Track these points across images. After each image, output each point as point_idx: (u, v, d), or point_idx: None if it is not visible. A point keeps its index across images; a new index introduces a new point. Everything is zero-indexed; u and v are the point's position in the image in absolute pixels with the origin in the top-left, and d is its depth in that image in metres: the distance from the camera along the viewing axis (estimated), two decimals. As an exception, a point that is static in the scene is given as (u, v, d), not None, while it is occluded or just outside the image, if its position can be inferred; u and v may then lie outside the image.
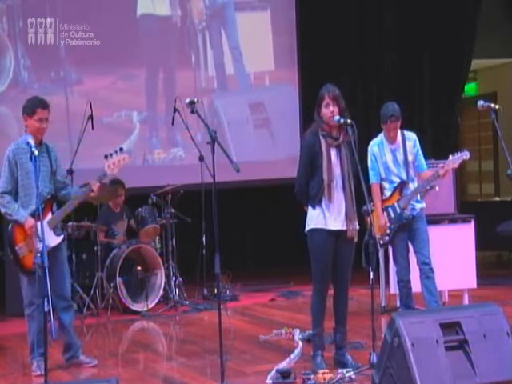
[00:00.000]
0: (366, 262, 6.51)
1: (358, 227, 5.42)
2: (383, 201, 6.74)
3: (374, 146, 6.79)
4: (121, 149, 5.87)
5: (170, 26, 10.17)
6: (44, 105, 5.85)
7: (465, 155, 6.55)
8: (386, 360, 4.48)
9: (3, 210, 5.78)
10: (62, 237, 5.87)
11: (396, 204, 6.64)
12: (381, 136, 6.78)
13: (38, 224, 5.51)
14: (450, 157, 6.55)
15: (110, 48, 9.64)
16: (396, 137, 6.68)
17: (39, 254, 5.41)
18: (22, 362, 6.15)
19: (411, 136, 6.73)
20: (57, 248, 5.83)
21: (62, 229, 6.06)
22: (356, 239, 5.43)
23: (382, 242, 6.69)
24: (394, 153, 6.68)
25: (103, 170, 5.83)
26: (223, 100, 10.32)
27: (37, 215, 5.36)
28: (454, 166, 6.56)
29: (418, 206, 6.66)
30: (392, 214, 6.64)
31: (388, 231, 6.66)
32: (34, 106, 5.81)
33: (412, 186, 6.65)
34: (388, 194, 6.73)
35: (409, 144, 6.67)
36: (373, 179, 6.74)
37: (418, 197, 6.67)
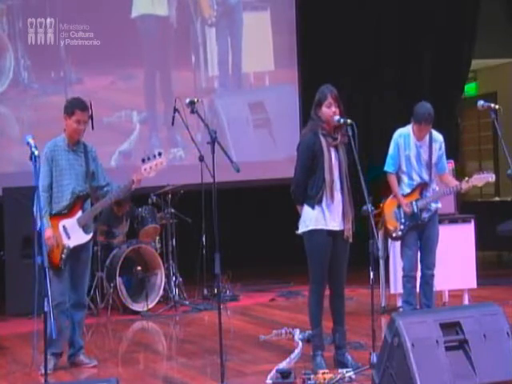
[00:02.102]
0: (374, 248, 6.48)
1: (352, 228, 5.40)
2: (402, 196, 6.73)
3: (399, 136, 6.69)
4: (159, 153, 5.87)
5: (170, 26, 10.18)
6: (83, 107, 5.91)
7: (490, 177, 6.56)
8: (385, 360, 4.48)
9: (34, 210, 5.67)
10: (91, 235, 5.94)
11: (414, 203, 6.62)
12: (408, 128, 6.68)
13: (65, 221, 5.79)
14: (475, 175, 6.55)
15: (109, 48, 9.65)
16: (422, 138, 6.63)
17: (66, 251, 5.74)
18: (22, 362, 6.14)
19: (438, 138, 6.69)
20: (83, 246, 5.89)
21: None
22: (351, 240, 5.42)
23: (394, 235, 6.70)
24: (418, 150, 6.62)
25: (138, 172, 5.78)
26: (223, 100, 10.33)
27: (66, 212, 5.66)
28: (477, 184, 6.54)
29: (434, 205, 6.65)
30: (408, 213, 6.64)
31: (401, 227, 6.66)
32: (74, 107, 5.89)
33: (432, 187, 6.64)
34: (407, 190, 6.68)
35: (435, 146, 6.64)
36: (390, 168, 6.68)
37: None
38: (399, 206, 6.68)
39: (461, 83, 11.54)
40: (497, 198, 12.68)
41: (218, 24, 10.35)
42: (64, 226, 5.80)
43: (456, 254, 7.47)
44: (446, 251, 7.28)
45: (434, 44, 11.20)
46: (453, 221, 7.64)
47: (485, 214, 9.68)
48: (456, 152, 11.17)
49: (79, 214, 5.84)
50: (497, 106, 6.04)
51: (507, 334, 4.52)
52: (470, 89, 13.44)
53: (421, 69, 11.30)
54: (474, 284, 7.67)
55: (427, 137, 6.64)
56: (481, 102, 6.00)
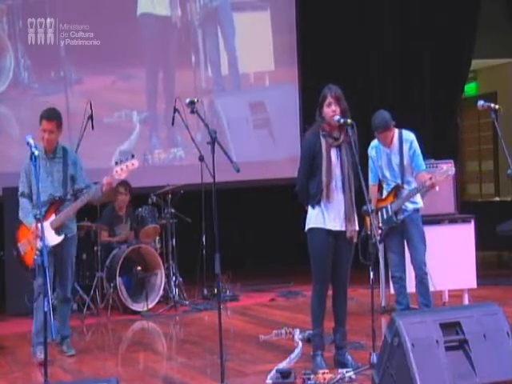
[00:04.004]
0: (364, 256, 6.56)
1: (357, 228, 5.42)
2: (379, 201, 6.79)
3: (371, 148, 6.85)
4: (132, 155, 6.11)
5: (169, 26, 10.19)
6: (48, 116, 6.16)
7: (450, 171, 6.55)
8: (386, 360, 4.47)
9: (20, 213, 6.21)
10: (62, 237, 6.16)
11: (389, 206, 6.69)
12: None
13: (44, 223, 5.81)
14: (439, 170, 6.55)
15: (109, 48, 9.65)
16: (389, 144, 6.68)
17: (38, 252, 5.74)
18: (22, 362, 6.15)
19: (408, 137, 6.69)
20: (61, 246, 6.15)
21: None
22: (355, 240, 5.43)
23: (374, 240, 6.75)
24: (389, 156, 6.70)
25: (109, 175, 6.05)
26: (223, 100, 10.32)
27: (37, 217, 5.85)
28: (439, 180, 6.55)
29: (410, 206, 6.66)
30: (384, 216, 6.72)
31: (379, 231, 6.74)
32: (41, 117, 6.17)
33: (407, 189, 6.66)
34: (384, 194, 6.81)
35: (405, 147, 6.66)
36: (370, 181, 6.85)
37: (417, 198, 6.68)
38: (377, 212, 6.76)
39: (461, 83, 11.54)
40: (497, 198, 12.69)
41: (206, 26, 10.33)
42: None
43: (456, 254, 7.47)
44: (446, 251, 7.30)
45: (434, 44, 11.20)
46: (453, 221, 7.63)
47: (485, 213, 9.68)
48: (456, 152, 11.17)
49: (52, 217, 6.11)
50: (497, 106, 6.04)
51: (507, 333, 4.51)
52: (469, 89, 13.43)
53: (421, 69, 11.30)
54: (474, 284, 7.66)
55: (396, 141, 6.68)
56: (481, 102, 6.00)
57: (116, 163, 6.05)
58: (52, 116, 6.17)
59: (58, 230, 6.12)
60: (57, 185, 6.16)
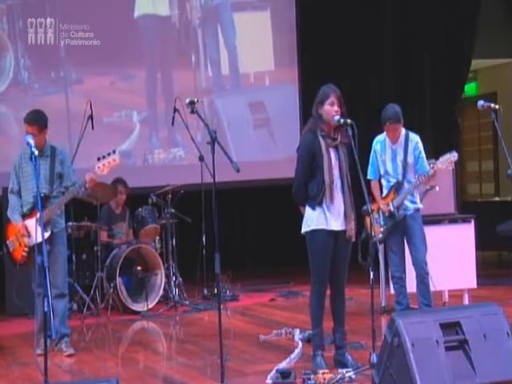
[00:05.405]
0: (363, 258, 6.56)
1: (354, 228, 5.41)
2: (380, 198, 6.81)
3: (376, 143, 6.86)
4: (113, 151, 6.17)
5: (169, 26, 10.19)
6: (29, 121, 6.15)
7: (453, 156, 6.54)
8: (386, 360, 4.47)
9: (8, 210, 6.35)
10: (49, 233, 6.19)
11: (390, 203, 6.70)
12: (384, 134, 6.81)
13: (27, 222, 6.17)
14: (440, 158, 6.55)
15: (109, 48, 9.66)
16: (397, 138, 6.72)
17: (26, 249, 6.15)
18: (21, 362, 6.14)
19: (414, 138, 6.76)
20: (48, 241, 6.10)
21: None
22: (353, 239, 5.43)
23: (375, 239, 6.75)
24: (393, 152, 6.73)
25: (92, 171, 6.11)
26: (223, 100, 10.33)
27: (27, 213, 6.12)
28: (442, 168, 6.53)
29: (411, 206, 6.69)
30: (386, 213, 6.70)
31: (381, 229, 6.74)
32: (24, 119, 6.19)
33: (407, 186, 6.67)
34: (384, 192, 6.81)
35: (410, 146, 6.70)
36: (370, 175, 6.86)
37: (416, 198, 6.69)
38: (378, 211, 6.77)
39: (461, 83, 11.55)
40: (497, 198, 12.69)
41: (206, 25, 10.33)
42: (25, 226, 6.15)
43: (456, 254, 7.47)
44: (446, 251, 7.30)
45: (433, 44, 11.21)
46: (453, 221, 7.64)
47: (485, 214, 9.69)
48: (456, 152, 11.16)
49: (38, 215, 6.03)
50: (497, 106, 6.04)
51: (507, 334, 4.51)
52: (469, 89, 13.43)
53: (421, 69, 11.30)
54: (474, 284, 7.66)
55: (402, 139, 6.73)
56: (481, 102, 6.01)
57: (98, 159, 6.07)
58: (33, 120, 6.14)
59: (45, 227, 6.08)
60: (43, 182, 6.18)
